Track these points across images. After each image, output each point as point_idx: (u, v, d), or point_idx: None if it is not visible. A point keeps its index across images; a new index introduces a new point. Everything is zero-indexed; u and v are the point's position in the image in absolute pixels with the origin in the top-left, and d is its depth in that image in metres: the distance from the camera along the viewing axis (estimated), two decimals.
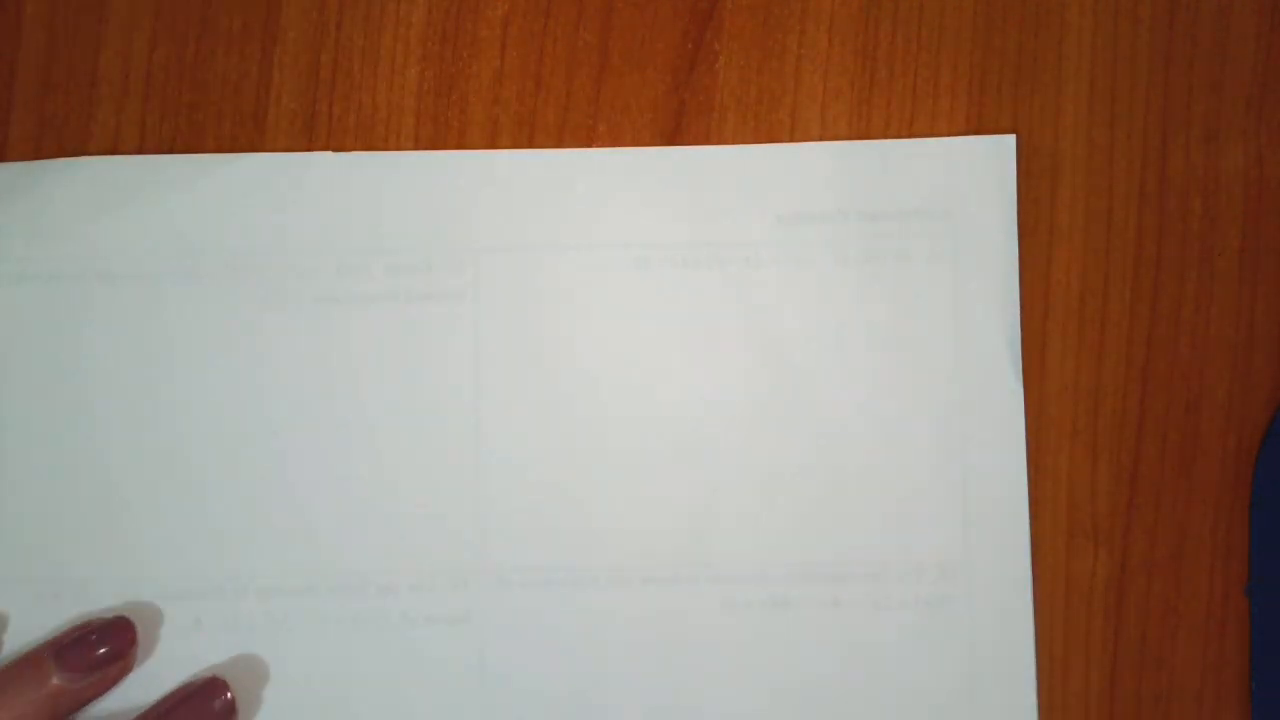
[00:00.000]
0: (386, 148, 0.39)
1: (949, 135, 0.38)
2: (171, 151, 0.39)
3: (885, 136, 0.38)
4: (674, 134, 0.39)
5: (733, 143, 0.39)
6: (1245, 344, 0.37)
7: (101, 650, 0.36)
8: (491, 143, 0.39)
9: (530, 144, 0.39)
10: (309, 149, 0.39)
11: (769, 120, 0.39)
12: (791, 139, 0.38)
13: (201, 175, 0.39)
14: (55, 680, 0.35)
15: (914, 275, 0.38)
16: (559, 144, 0.39)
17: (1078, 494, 0.37)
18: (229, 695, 0.36)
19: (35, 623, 0.37)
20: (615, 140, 0.39)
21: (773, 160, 0.38)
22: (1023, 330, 0.38)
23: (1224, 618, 0.37)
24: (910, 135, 0.38)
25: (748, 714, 0.37)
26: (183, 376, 0.38)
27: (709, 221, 0.38)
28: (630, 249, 0.38)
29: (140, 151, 0.39)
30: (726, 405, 0.38)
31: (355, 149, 0.39)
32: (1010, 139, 0.38)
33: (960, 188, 0.38)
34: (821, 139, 0.38)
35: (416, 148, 0.39)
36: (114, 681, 0.37)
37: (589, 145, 0.39)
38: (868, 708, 0.37)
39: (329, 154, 0.39)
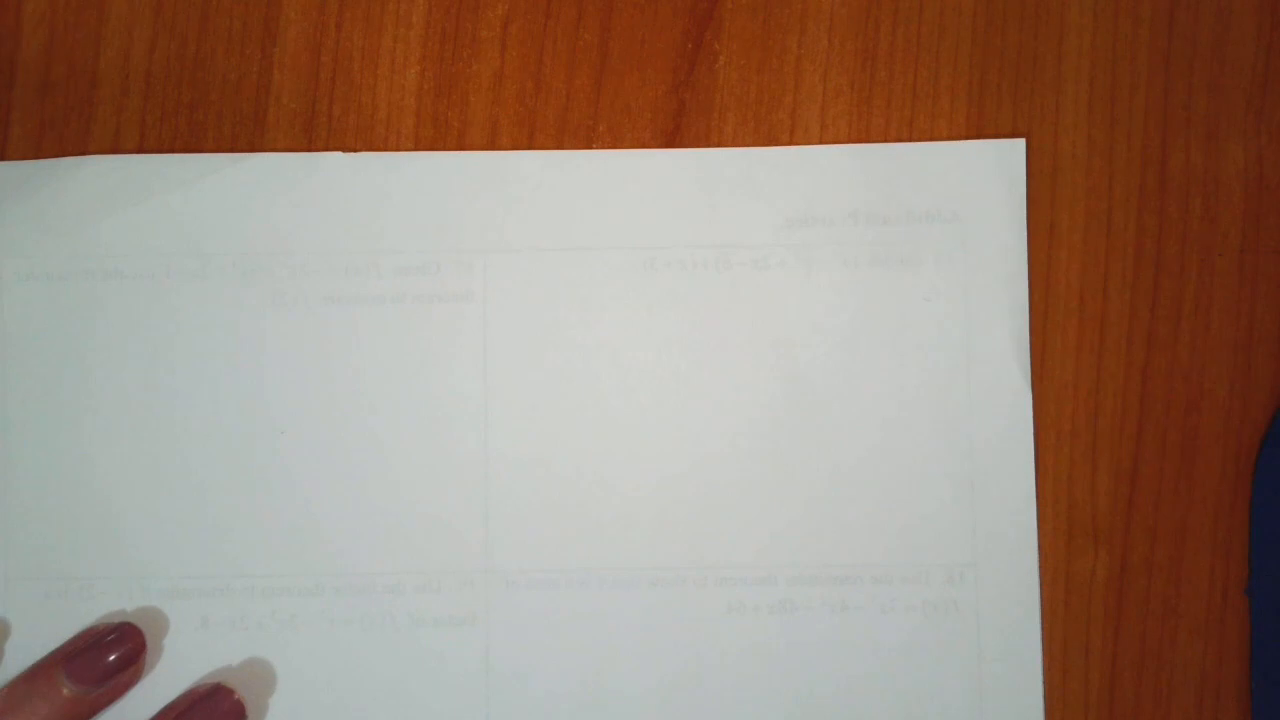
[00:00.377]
0: (386, 148, 0.39)
1: (949, 135, 0.38)
2: (172, 151, 0.39)
3: (885, 136, 0.38)
4: (674, 134, 0.39)
5: (733, 143, 0.39)
6: (1245, 344, 0.37)
7: (111, 658, 0.36)
8: (491, 143, 0.39)
9: (530, 144, 0.39)
10: (309, 149, 0.39)
11: (769, 120, 0.39)
12: (791, 139, 0.38)
13: (209, 175, 0.39)
14: (66, 691, 0.35)
15: (923, 279, 0.38)
16: (559, 144, 0.39)
17: (1078, 494, 0.37)
18: (237, 697, 0.36)
19: (43, 621, 0.37)
20: (615, 140, 0.39)
21: (783, 163, 0.38)
22: None
23: (1224, 618, 0.37)
24: (911, 135, 0.38)
25: (754, 717, 0.37)
26: (190, 376, 0.38)
27: (718, 224, 0.38)
28: (639, 251, 0.38)
29: (140, 152, 0.39)
30: (734, 408, 0.38)
31: (355, 149, 0.39)
32: (1020, 143, 0.38)
33: (970, 192, 0.38)
34: (821, 139, 0.38)
35: (416, 148, 0.39)
36: (125, 689, 0.36)
37: (589, 145, 0.39)
38: (875, 711, 0.37)
39: (336, 154, 0.39)
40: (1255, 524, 0.37)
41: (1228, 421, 0.37)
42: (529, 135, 0.39)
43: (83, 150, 0.39)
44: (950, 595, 0.37)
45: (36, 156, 0.39)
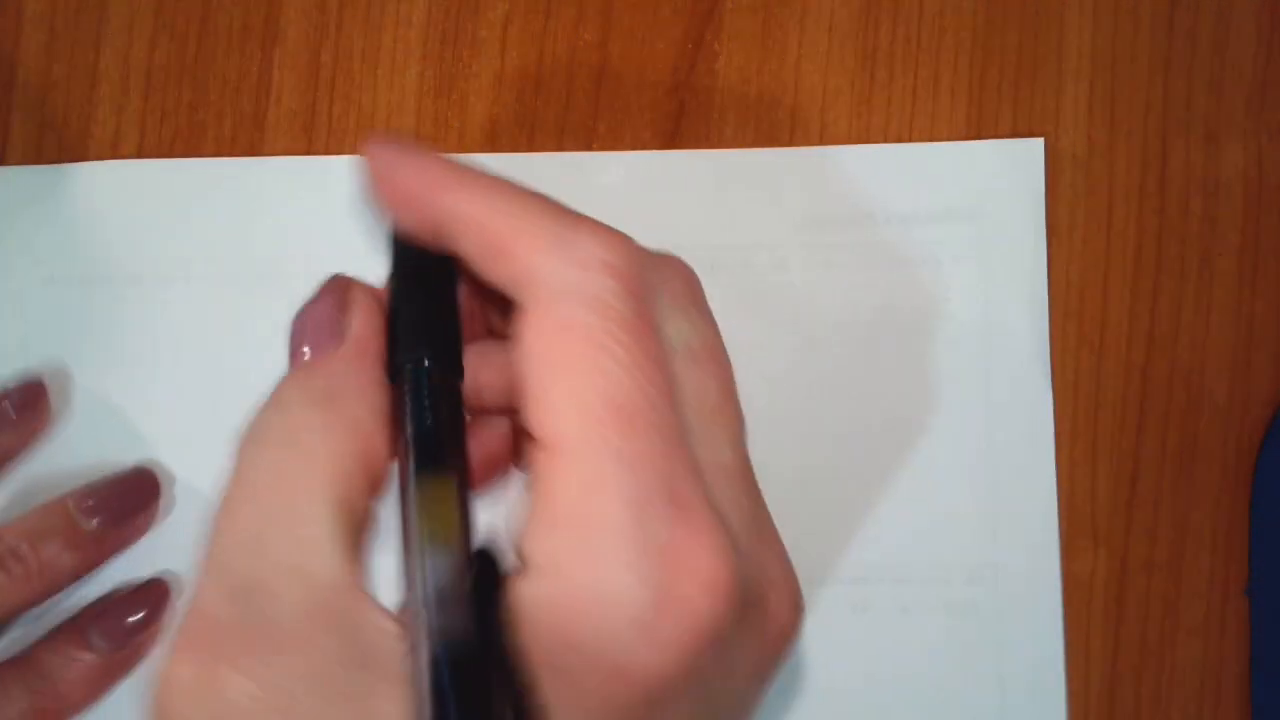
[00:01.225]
0: None
1: (949, 135, 0.38)
2: (172, 151, 0.39)
3: (885, 137, 0.38)
4: (674, 134, 0.39)
5: (733, 143, 0.38)
6: (1245, 344, 0.37)
7: (127, 496, 0.36)
8: (491, 143, 0.39)
9: (530, 144, 0.39)
10: (309, 149, 0.39)
11: (769, 120, 0.39)
12: (791, 140, 0.38)
13: (226, 179, 0.39)
14: (83, 527, 0.35)
15: (941, 279, 0.37)
16: (559, 144, 0.39)
17: (1078, 494, 0.37)
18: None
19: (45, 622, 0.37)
20: (615, 140, 0.39)
21: (799, 163, 0.38)
22: None
23: (1224, 618, 0.37)
24: (910, 135, 0.38)
25: (772, 717, 0.36)
26: (195, 380, 0.38)
27: (736, 224, 0.38)
28: None
29: (140, 152, 0.39)
30: (752, 410, 0.37)
31: (356, 149, 0.39)
32: (1038, 142, 0.38)
33: (988, 191, 0.37)
34: (821, 139, 0.38)
35: None
36: (142, 530, 0.36)
37: (589, 145, 0.39)
38: (896, 712, 0.36)
39: (341, 158, 0.39)
40: (1255, 524, 0.37)
41: (1228, 421, 0.37)
42: (529, 135, 0.39)
43: (82, 150, 0.39)
44: (971, 595, 0.36)
45: (36, 156, 0.39)
